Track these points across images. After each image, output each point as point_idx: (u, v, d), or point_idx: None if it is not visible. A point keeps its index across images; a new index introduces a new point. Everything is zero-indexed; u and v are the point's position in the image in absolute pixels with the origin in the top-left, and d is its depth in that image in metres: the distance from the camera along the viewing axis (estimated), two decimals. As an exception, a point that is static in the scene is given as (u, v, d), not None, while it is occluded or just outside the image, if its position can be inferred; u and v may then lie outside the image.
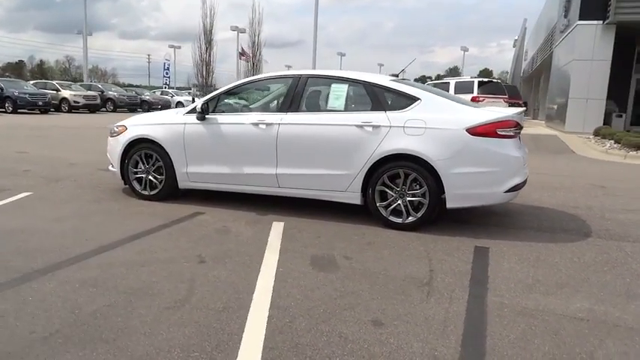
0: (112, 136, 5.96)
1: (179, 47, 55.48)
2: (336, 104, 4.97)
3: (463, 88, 18.27)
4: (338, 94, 4.97)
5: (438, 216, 4.85)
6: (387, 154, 4.63)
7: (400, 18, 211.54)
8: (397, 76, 5.87)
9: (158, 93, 35.14)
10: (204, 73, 16.94)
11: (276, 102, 5.41)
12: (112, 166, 5.97)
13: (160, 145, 5.49)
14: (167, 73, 42.13)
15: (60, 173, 7.27)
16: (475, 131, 4.45)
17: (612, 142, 12.53)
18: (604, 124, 16.45)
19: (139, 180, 5.74)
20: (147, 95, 31.37)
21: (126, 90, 30.66)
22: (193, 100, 22.16)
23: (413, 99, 4.72)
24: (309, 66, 17.87)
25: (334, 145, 4.82)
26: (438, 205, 4.65)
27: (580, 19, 16.43)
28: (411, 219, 4.68)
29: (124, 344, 2.52)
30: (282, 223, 4.84)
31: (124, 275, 3.43)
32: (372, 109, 4.81)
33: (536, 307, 3.12)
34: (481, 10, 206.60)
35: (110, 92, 27.98)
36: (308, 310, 2.96)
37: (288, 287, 3.30)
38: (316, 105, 5.15)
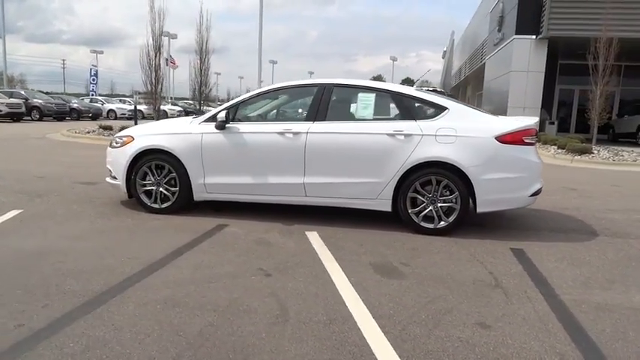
0: (114, 147, 5.62)
1: (101, 52, 52.56)
2: (364, 113, 5.04)
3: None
4: (366, 103, 5.05)
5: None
6: (419, 162, 4.76)
7: (324, 27, 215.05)
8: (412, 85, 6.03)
9: (87, 100, 33.20)
10: (153, 80, 16.21)
11: (300, 111, 5.38)
12: (113, 178, 5.63)
13: (174, 155, 5.26)
14: (94, 80, 39.97)
15: (35, 188, 6.71)
16: (504, 139, 4.70)
17: (556, 147, 13.57)
18: (539, 131, 17.76)
19: (147, 193, 5.46)
20: (75, 103, 29.49)
21: (52, 97, 28.59)
22: (135, 109, 21.13)
23: (441, 108, 4.90)
24: (239, 73, 17.46)
25: (365, 154, 4.88)
26: (468, 209, 4.84)
27: (516, 34, 17.68)
28: (442, 224, 4.84)
29: (260, 364, 2.43)
30: (314, 233, 4.82)
31: (199, 293, 3.28)
32: (401, 118, 4.93)
33: (605, 301, 3.36)
34: (401, 21, 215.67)
35: (35, 100, 25.98)
36: (411, 317, 3.00)
37: (374, 295, 3.32)
38: (343, 114, 5.18)
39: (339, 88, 5.20)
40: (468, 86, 35.75)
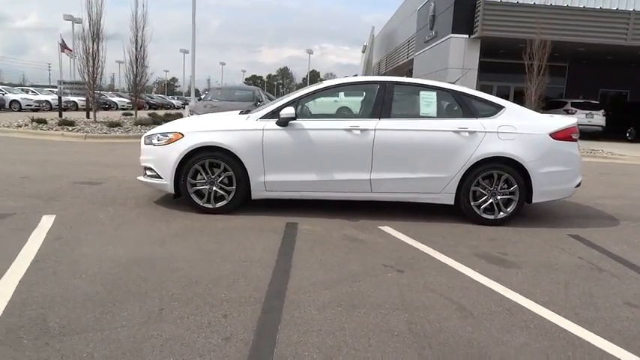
0: (157, 145, 5.27)
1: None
2: (427, 111, 5.22)
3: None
4: (428, 101, 5.23)
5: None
6: (484, 157, 5.05)
7: (226, 16, 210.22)
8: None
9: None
10: (90, 70, 14.93)
11: (362, 107, 5.42)
12: (154, 177, 5.28)
13: (232, 153, 5.07)
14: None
15: (35, 190, 6.05)
16: (557, 136, 5.15)
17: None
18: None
19: (198, 192, 5.21)
20: (-31, 92, 26.21)
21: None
22: (60, 99, 19.30)
23: (499, 107, 5.23)
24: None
25: (432, 150, 5.07)
26: (524, 201, 5.23)
27: (452, 33, 18.79)
28: (502, 215, 5.18)
29: None
30: (388, 227, 4.93)
31: (360, 292, 3.29)
32: (463, 116, 5.18)
33: (693, 277, 3.88)
34: (303, 13, 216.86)
35: None
36: (569, 302, 3.28)
37: (514, 284, 3.55)
38: (407, 111, 5.32)
39: (400, 85, 5.33)
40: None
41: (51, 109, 29.03)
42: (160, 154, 5.22)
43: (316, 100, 5.45)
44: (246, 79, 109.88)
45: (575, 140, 5.29)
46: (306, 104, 5.31)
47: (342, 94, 5.77)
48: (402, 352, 2.53)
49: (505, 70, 22.85)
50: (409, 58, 26.60)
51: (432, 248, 4.31)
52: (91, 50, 15.10)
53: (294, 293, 3.22)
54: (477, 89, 17.55)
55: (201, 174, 5.17)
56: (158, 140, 5.28)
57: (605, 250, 4.52)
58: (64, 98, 27.63)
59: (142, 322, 2.73)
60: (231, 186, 5.16)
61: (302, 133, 5.07)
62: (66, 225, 4.60)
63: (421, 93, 5.28)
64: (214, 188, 5.17)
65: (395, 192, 5.20)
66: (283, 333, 2.68)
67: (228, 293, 3.17)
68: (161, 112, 23.06)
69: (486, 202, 5.17)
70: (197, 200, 5.19)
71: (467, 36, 18.79)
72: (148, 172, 5.38)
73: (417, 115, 5.26)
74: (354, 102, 5.71)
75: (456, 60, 18.81)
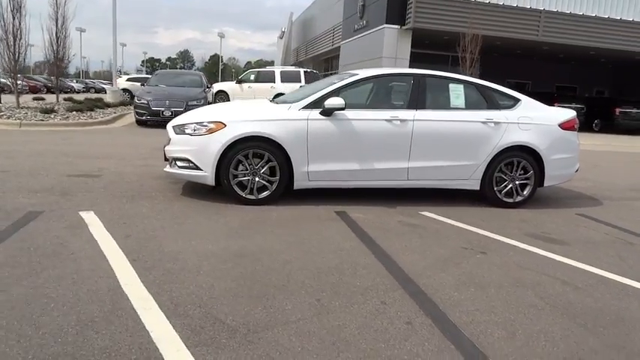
0: (194, 135, 5.09)
1: None
2: (457, 102, 5.59)
3: (290, 77, 19.59)
4: (457, 93, 5.59)
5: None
6: (507, 146, 5.55)
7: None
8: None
9: None
10: (11, 50, 13.30)
11: (397, 98, 5.63)
12: (187, 168, 5.13)
13: (277, 143, 5.06)
14: None
15: (32, 184, 5.54)
16: (564, 126, 5.79)
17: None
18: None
19: (239, 183, 5.14)
20: None
21: None
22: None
23: (516, 100, 5.75)
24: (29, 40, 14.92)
25: (464, 139, 5.46)
26: (537, 185, 5.82)
27: (386, 23, 19.49)
28: (519, 198, 5.74)
29: None
30: (427, 213, 5.25)
31: (477, 273, 3.57)
32: (488, 108, 5.62)
33: (698, 246, 4.67)
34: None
35: None
36: (638, 272, 3.82)
37: (584, 258, 4.04)
38: (439, 102, 5.63)
39: (431, 78, 5.63)
40: (305, 67, 37.46)
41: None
42: (199, 144, 5.05)
43: (352, 90, 5.55)
44: (142, 62, 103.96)
45: (575, 130, 5.96)
46: (343, 95, 5.40)
47: (380, 84, 5.90)
48: (562, 322, 2.86)
49: (432, 61, 24.09)
50: (335, 46, 27.07)
51: (487, 230, 4.70)
52: (11, 27, 13.57)
53: (418, 277, 3.42)
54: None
55: (242, 164, 5.09)
56: (194, 130, 5.10)
57: (616, 226, 5.22)
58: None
59: (315, 314, 2.78)
60: (274, 176, 5.15)
61: (345, 123, 5.19)
62: (117, 222, 4.33)
63: (450, 85, 5.63)
64: (257, 179, 5.12)
65: (428, 179, 5.52)
66: (451, 314, 2.88)
67: (361, 281, 3.29)
68: (80, 97, 21.34)
69: (507, 187, 5.67)
70: (239, 192, 5.11)
71: (399, 27, 19.59)
72: (180, 163, 5.19)
73: (447, 107, 5.60)
74: (391, 93, 5.88)
75: (390, 50, 19.58)
